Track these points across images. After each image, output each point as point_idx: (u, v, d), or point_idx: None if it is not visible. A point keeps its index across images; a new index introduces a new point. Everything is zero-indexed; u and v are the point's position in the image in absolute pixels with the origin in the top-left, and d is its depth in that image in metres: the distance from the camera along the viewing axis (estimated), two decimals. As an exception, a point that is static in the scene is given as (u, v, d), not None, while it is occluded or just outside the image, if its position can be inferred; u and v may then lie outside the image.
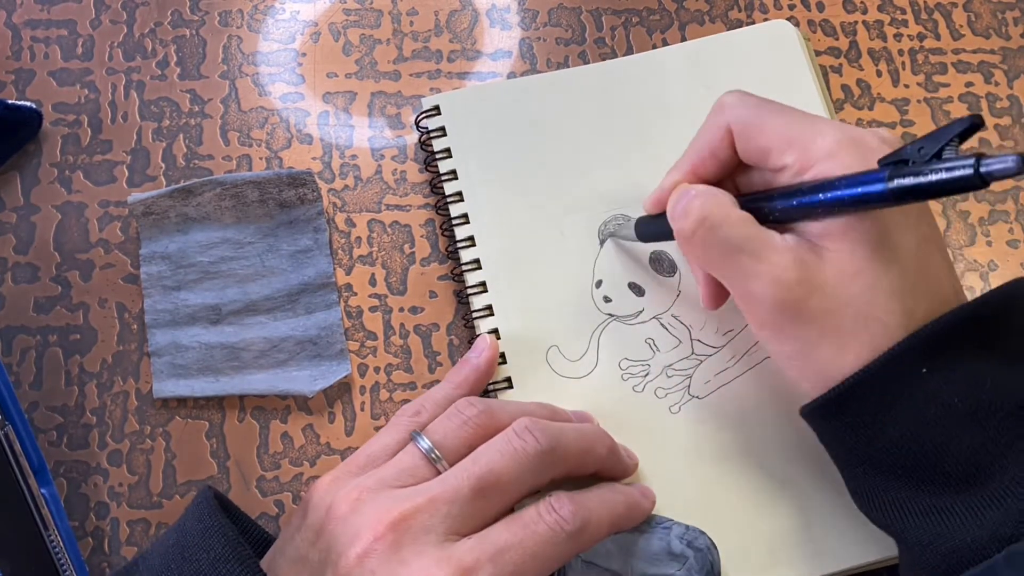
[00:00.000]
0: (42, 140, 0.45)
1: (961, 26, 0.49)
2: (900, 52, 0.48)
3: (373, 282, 0.43)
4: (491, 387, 0.40)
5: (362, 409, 0.42)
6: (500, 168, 0.43)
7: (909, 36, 0.48)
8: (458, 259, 0.42)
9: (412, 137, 0.46)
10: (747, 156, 0.34)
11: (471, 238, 0.42)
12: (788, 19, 0.48)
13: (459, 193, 0.43)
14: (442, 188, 0.43)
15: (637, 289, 0.41)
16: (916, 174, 0.27)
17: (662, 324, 0.41)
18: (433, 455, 0.33)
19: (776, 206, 0.32)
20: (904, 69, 0.48)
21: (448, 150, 0.44)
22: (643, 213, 0.39)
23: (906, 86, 0.47)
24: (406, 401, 0.41)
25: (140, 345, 0.42)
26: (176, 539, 0.32)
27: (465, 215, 0.43)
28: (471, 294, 0.42)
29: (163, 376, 0.41)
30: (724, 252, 0.32)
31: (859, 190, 0.29)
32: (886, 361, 0.30)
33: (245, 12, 0.48)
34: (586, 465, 0.35)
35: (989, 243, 0.45)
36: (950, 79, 0.48)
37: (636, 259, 0.42)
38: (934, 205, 0.45)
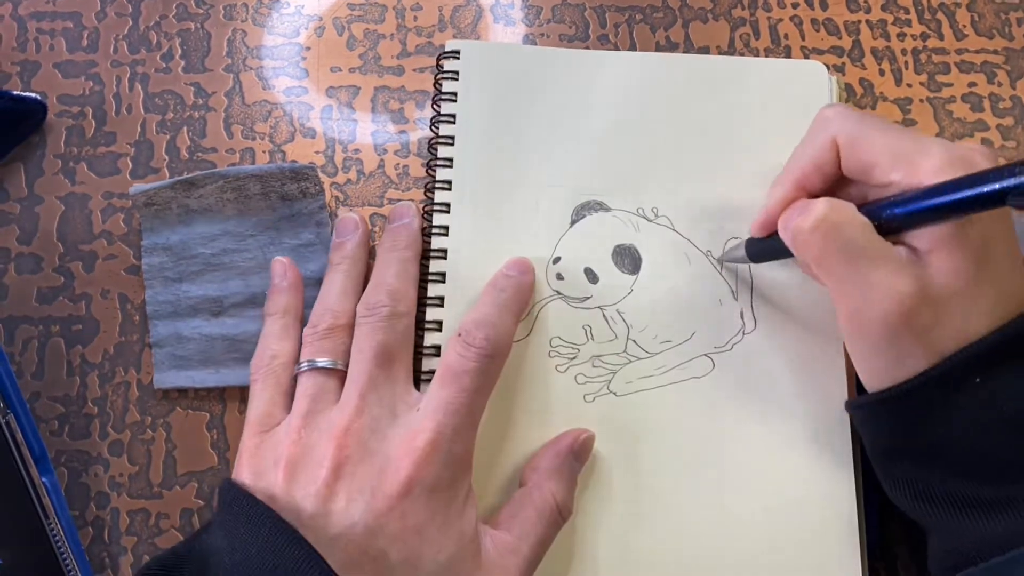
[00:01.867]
0: (46, 131, 0.45)
1: (964, 26, 0.49)
2: (903, 52, 0.48)
3: (374, 276, 0.43)
4: (427, 327, 0.40)
5: (362, 402, 0.42)
6: (497, 124, 0.44)
7: (912, 36, 0.48)
8: (432, 200, 0.43)
9: (415, 132, 0.46)
10: (851, 170, 0.34)
11: (448, 182, 0.43)
12: (791, 18, 0.48)
13: (452, 137, 0.43)
14: (438, 128, 0.44)
15: (592, 275, 0.41)
16: None
17: (604, 316, 0.41)
18: (331, 364, 0.37)
19: (896, 211, 0.32)
20: (907, 69, 0.48)
21: (455, 94, 0.44)
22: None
23: (909, 85, 0.47)
24: (406, 394, 0.42)
25: (142, 336, 0.42)
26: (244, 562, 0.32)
27: (450, 159, 0.43)
28: (434, 234, 0.42)
29: (164, 367, 0.41)
30: (843, 254, 0.32)
31: (998, 185, 0.29)
32: (946, 369, 0.32)
33: (250, 6, 0.48)
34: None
35: (990, 243, 0.45)
36: (953, 79, 0.48)
37: (600, 248, 0.42)
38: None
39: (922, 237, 0.32)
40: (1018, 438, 0.31)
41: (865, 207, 0.34)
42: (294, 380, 0.38)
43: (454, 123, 0.43)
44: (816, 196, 0.35)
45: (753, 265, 0.41)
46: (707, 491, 0.39)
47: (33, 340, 0.42)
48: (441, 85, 0.44)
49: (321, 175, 0.45)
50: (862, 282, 0.32)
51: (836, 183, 0.36)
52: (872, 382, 0.35)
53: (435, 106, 0.44)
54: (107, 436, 0.41)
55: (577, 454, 0.38)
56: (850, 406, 0.36)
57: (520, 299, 0.40)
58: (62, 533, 0.37)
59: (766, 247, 0.38)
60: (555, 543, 0.37)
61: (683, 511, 0.38)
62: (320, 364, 0.37)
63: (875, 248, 0.32)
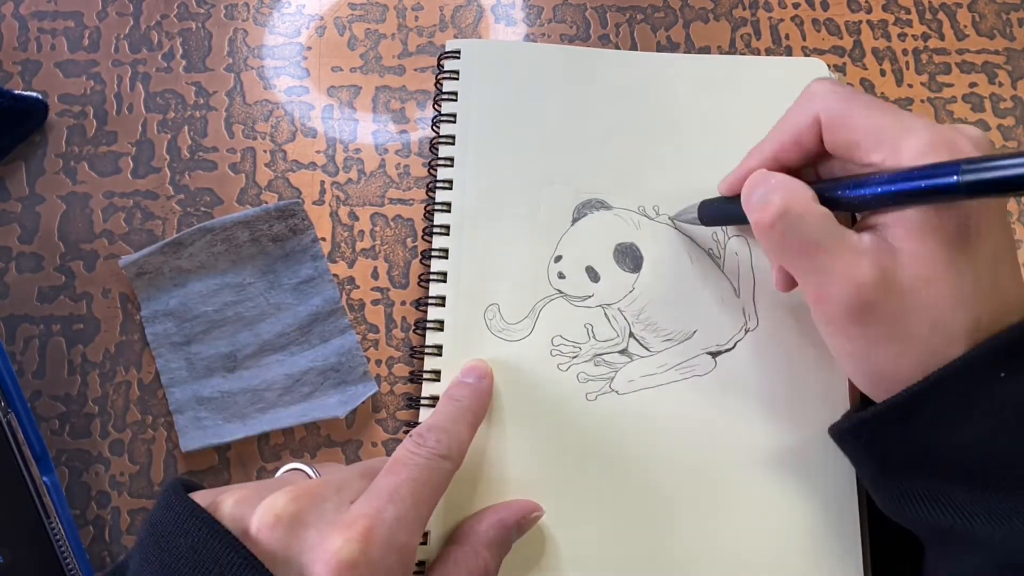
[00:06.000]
0: (48, 131, 0.45)
1: (965, 26, 0.49)
2: (904, 52, 0.48)
3: (375, 275, 0.44)
4: (428, 326, 0.40)
5: (363, 402, 0.42)
6: (498, 122, 0.44)
7: (913, 36, 0.48)
8: (433, 199, 0.43)
9: (416, 132, 0.46)
10: (834, 148, 0.34)
11: (450, 181, 0.43)
12: (792, 18, 0.48)
13: (453, 137, 0.43)
14: (439, 128, 0.44)
15: (593, 274, 0.42)
16: (991, 168, 0.27)
17: (606, 314, 0.41)
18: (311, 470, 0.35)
19: (851, 195, 0.32)
20: (908, 69, 0.48)
21: (455, 93, 0.44)
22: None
23: (909, 86, 0.47)
24: (407, 395, 0.42)
25: (142, 336, 0.42)
26: (148, 532, 0.30)
27: (451, 159, 0.43)
28: (436, 234, 0.42)
29: (188, 432, 0.41)
30: (802, 247, 0.32)
31: (931, 182, 0.29)
32: (966, 364, 0.31)
33: (251, 5, 0.48)
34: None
35: (991, 243, 0.45)
36: (954, 79, 0.48)
37: (601, 247, 0.42)
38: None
39: (894, 222, 0.31)
40: None
41: (828, 186, 0.33)
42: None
43: (455, 122, 0.44)
44: (793, 168, 0.35)
45: (755, 263, 0.41)
46: (708, 489, 0.39)
47: (34, 339, 0.42)
48: (442, 85, 0.44)
49: (322, 174, 0.45)
50: (821, 272, 0.32)
51: (817, 157, 0.35)
52: (859, 378, 0.34)
53: (436, 106, 0.44)
54: (108, 435, 0.41)
55: (520, 529, 0.37)
56: (861, 418, 0.34)
57: (478, 407, 0.38)
58: (63, 532, 0.37)
59: (722, 211, 0.38)
60: (555, 542, 0.37)
61: (684, 509, 0.38)
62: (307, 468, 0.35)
63: (833, 238, 0.32)
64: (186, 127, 0.46)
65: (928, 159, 0.30)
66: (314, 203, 0.44)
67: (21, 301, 0.43)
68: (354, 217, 0.44)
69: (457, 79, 0.44)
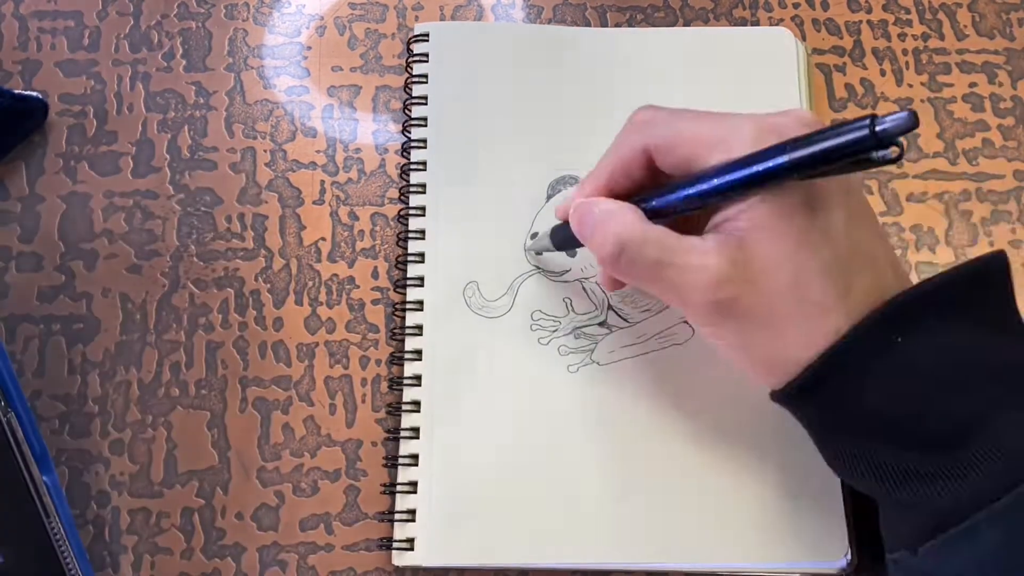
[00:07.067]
0: (48, 130, 0.45)
1: (965, 26, 0.49)
2: (904, 52, 0.48)
3: (375, 275, 0.44)
4: (408, 307, 0.41)
5: (363, 401, 0.42)
6: (469, 102, 0.44)
7: (913, 36, 0.48)
8: (408, 183, 0.43)
9: (416, 132, 0.46)
10: (672, 169, 0.34)
11: (423, 162, 0.43)
12: (792, 18, 0.48)
13: (425, 119, 0.44)
14: (411, 111, 0.44)
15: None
16: (813, 143, 0.28)
17: (584, 288, 0.42)
18: None
19: (677, 198, 0.33)
20: (908, 69, 0.48)
21: (425, 75, 0.44)
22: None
23: (909, 85, 0.47)
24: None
25: (143, 335, 0.42)
26: None
27: (424, 140, 0.43)
28: (411, 215, 0.42)
29: None
30: (649, 270, 0.33)
31: (760, 167, 0.30)
32: (861, 333, 0.30)
33: (251, 5, 0.48)
34: None
35: (991, 243, 0.45)
36: (954, 79, 0.48)
37: None
38: (936, 205, 0.45)
39: (736, 215, 0.31)
40: (949, 397, 0.30)
41: (652, 198, 0.33)
42: None
43: (427, 104, 0.44)
44: (626, 194, 0.35)
45: None
46: (692, 456, 0.39)
47: (34, 339, 0.42)
48: (412, 68, 0.45)
49: (322, 174, 0.45)
50: (676, 285, 0.32)
51: (655, 178, 0.35)
52: (754, 371, 0.34)
53: (407, 89, 0.45)
54: (108, 435, 0.41)
55: None
56: (774, 397, 0.34)
57: None
58: (63, 532, 0.37)
59: (569, 236, 0.38)
60: (541, 511, 0.38)
61: (668, 477, 0.39)
62: None
63: (676, 251, 0.32)
64: (186, 127, 0.46)
65: (759, 147, 0.31)
66: (314, 203, 0.45)
67: (21, 301, 0.43)
68: (354, 217, 0.44)
69: (427, 61, 0.45)
